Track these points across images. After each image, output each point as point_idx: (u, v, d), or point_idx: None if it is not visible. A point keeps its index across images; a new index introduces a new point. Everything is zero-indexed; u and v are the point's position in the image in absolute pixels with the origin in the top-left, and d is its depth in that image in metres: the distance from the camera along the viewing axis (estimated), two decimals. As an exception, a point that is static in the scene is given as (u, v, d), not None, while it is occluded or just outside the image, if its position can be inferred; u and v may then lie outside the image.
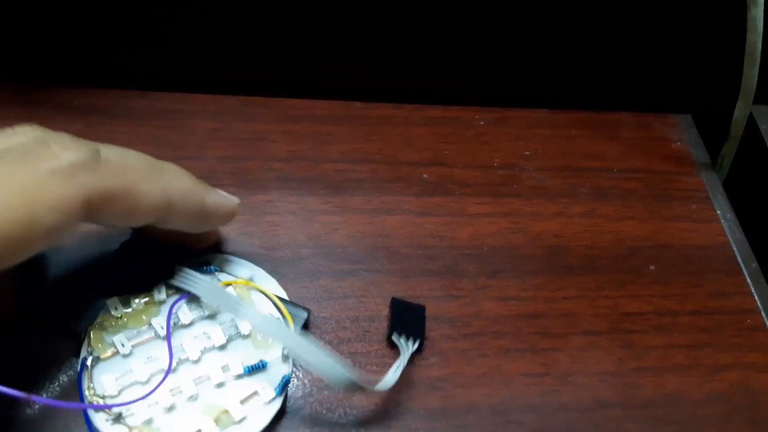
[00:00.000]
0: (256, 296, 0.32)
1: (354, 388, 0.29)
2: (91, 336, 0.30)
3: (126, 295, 0.31)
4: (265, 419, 0.29)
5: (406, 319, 0.34)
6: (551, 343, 0.35)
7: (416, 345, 0.33)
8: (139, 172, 0.26)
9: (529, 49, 0.45)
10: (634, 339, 0.36)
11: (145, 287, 0.31)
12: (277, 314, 0.32)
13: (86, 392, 0.28)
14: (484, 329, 0.35)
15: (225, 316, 0.31)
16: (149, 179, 0.27)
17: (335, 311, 0.35)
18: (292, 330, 0.31)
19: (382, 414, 0.31)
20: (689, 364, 0.35)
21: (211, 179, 0.36)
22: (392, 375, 0.31)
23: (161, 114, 0.40)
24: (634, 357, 0.35)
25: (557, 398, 0.33)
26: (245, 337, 0.31)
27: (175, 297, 0.31)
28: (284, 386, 0.30)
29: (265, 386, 0.30)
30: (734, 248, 0.41)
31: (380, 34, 0.43)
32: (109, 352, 0.30)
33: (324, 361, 0.29)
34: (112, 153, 0.26)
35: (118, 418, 0.28)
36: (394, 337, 0.33)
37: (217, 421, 0.29)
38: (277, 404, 0.30)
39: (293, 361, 0.31)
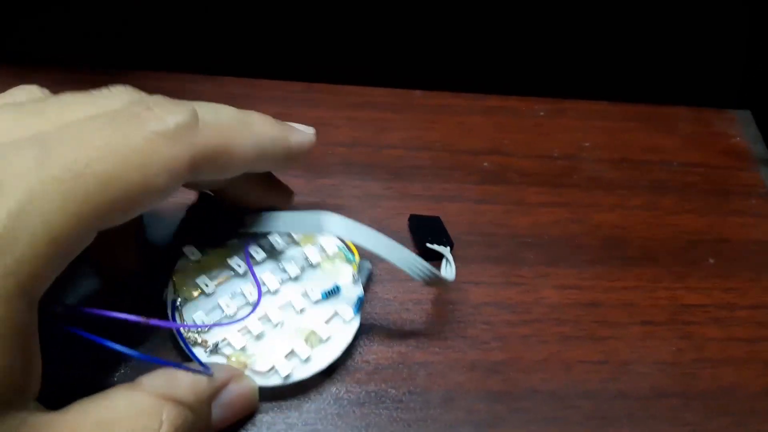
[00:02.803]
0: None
1: (435, 280, 0.32)
2: (175, 281, 0.31)
3: (206, 244, 0.33)
4: (348, 336, 0.32)
5: (429, 230, 0.36)
6: (610, 332, 0.35)
7: (448, 248, 0.35)
8: (233, 127, 0.27)
9: (586, 41, 0.45)
10: (693, 330, 0.36)
11: (218, 239, 0.33)
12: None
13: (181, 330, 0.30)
14: (543, 316, 0.35)
15: (294, 251, 0.33)
16: (242, 133, 0.28)
17: (398, 293, 0.35)
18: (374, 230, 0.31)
19: (444, 393, 0.32)
20: (747, 357, 0.35)
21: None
22: (451, 267, 0.34)
23: (228, 98, 0.40)
24: (692, 348, 0.35)
25: (615, 386, 0.34)
26: (316, 266, 0.33)
27: (247, 239, 0.33)
28: (360, 305, 0.32)
29: (344, 307, 0.32)
30: (793, 244, 0.40)
31: (440, 25, 0.44)
32: (195, 293, 0.31)
33: (405, 255, 0.31)
34: (207, 111, 0.26)
35: (215, 349, 0.30)
36: (430, 245, 0.35)
37: (307, 341, 0.31)
38: (356, 322, 0.32)
39: (363, 282, 0.33)
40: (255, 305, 0.31)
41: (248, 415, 0.30)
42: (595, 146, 0.43)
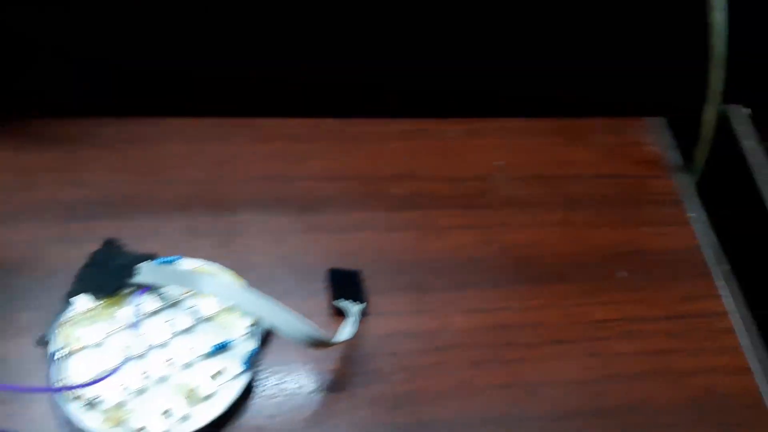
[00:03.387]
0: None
1: (320, 342, 0.31)
2: (59, 332, 0.31)
3: (96, 295, 0.33)
4: (234, 393, 0.31)
5: (346, 285, 0.36)
6: (519, 354, 0.36)
7: (361, 306, 0.35)
8: None
9: (502, 59, 0.45)
10: (603, 346, 0.36)
11: (112, 288, 0.33)
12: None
13: (57, 384, 0.30)
14: (451, 343, 0.36)
15: (188, 303, 0.33)
16: None
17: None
18: (251, 291, 0.31)
19: (347, 430, 0.32)
20: (656, 369, 0.36)
21: (183, 203, 0.38)
22: (351, 328, 0.33)
23: (134, 140, 0.41)
24: (601, 365, 0.36)
25: (522, 409, 0.34)
26: (209, 319, 0.33)
27: (140, 290, 0.33)
28: (250, 360, 0.32)
29: (232, 362, 0.32)
30: (706, 251, 0.41)
31: (351, 50, 0.44)
32: (78, 345, 0.31)
33: (285, 317, 0.30)
34: None
35: (91, 405, 0.30)
36: (340, 302, 0.35)
37: (187, 398, 0.30)
38: (244, 378, 0.32)
39: (260, 338, 0.33)
40: (127, 359, 0.31)
41: None
42: (509, 164, 0.43)
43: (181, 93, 0.44)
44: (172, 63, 0.43)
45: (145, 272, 0.33)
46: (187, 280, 0.31)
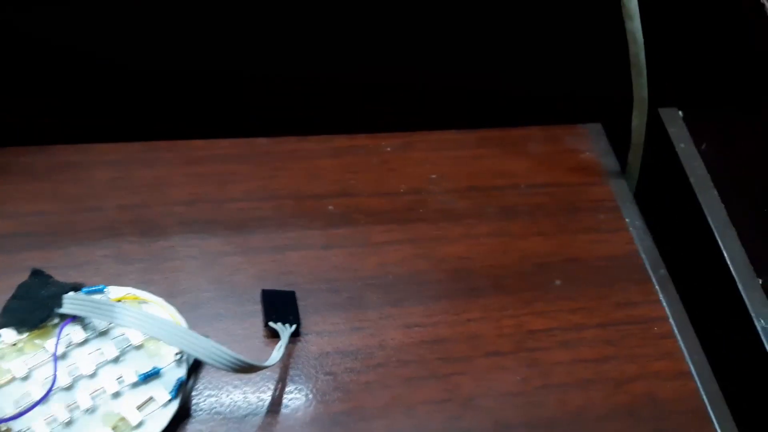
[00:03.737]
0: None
1: (244, 368, 0.30)
2: None
3: (21, 327, 0.32)
4: (163, 421, 0.31)
5: (279, 306, 0.35)
6: (454, 367, 0.35)
7: (293, 327, 0.34)
8: None
9: (433, 71, 0.45)
10: (539, 357, 0.36)
11: (37, 320, 0.32)
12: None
13: None
14: (387, 359, 0.35)
15: (116, 331, 0.33)
16: None
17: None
18: (168, 323, 0.31)
19: (280, 455, 0.32)
20: (594, 378, 0.35)
21: (111, 230, 0.37)
22: (277, 352, 0.33)
23: (60, 168, 0.40)
24: (538, 375, 0.35)
25: (459, 424, 0.33)
26: (138, 347, 0.32)
27: (66, 320, 0.32)
28: (179, 388, 0.31)
29: (161, 390, 0.31)
30: (643, 256, 0.41)
31: (283, 67, 0.43)
32: (6, 378, 0.31)
33: (206, 346, 0.30)
34: None
35: None
36: (271, 324, 0.34)
37: (115, 428, 0.30)
38: (173, 406, 0.31)
39: (188, 364, 0.32)
40: (49, 389, 0.30)
41: None
42: (444, 177, 0.43)
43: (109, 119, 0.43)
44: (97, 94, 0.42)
45: (68, 303, 0.32)
46: (107, 312, 0.31)
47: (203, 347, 0.30)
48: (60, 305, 0.32)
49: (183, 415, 0.32)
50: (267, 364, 0.32)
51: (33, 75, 0.42)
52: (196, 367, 0.33)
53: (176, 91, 0.44)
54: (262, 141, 0.43)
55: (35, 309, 0.32)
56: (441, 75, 0.45)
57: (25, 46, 0.40)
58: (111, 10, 0.40)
